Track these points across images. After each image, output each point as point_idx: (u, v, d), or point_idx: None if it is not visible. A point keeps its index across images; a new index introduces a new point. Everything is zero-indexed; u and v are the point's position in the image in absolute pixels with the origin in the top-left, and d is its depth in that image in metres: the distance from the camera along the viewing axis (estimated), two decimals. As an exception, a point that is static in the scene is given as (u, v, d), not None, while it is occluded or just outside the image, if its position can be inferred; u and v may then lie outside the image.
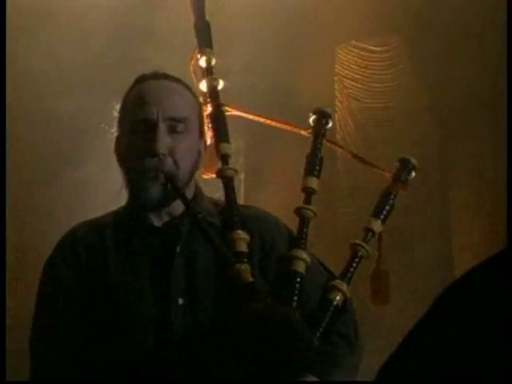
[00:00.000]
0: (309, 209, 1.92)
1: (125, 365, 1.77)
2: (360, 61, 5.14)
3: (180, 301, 1.80)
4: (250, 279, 1.71)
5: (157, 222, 1.87)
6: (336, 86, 5.25)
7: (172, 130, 1.83)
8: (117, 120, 1.94)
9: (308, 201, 1.94)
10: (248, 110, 2.12)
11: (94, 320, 1.81)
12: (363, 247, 1.92)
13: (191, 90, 1.93)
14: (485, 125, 4.53)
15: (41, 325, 1.86)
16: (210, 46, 2.13)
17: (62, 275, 1.85)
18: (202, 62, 2.10)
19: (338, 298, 1.84)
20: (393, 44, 4.97)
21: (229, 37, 3.91)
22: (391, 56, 5.02)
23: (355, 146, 4.96)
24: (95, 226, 1.90)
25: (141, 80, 1.91)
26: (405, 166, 2.03)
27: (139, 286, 1.81)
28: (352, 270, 1.90)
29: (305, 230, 1.90)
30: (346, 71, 5.21)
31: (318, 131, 2.02)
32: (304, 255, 1.86)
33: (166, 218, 1.87)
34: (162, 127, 1.82)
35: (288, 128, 2.08)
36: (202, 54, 2.11)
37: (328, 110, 2.05)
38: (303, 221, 1.91)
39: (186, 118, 1.85)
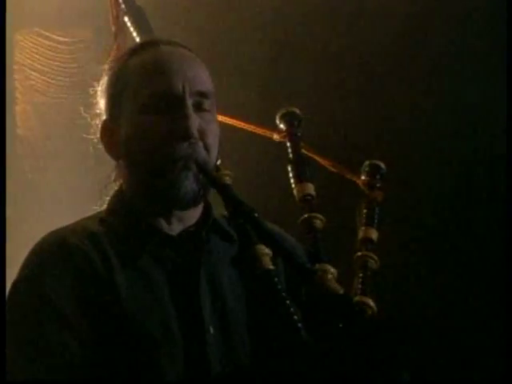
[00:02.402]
0: (317, 217, 1.68)
1: None
2: (44, 50, 4.73)
3: (211, 329, 1.46)
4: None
5: (169, 229, 1.50)
6: (16, 76, 4.73)
7: (198, 108, 1.49)
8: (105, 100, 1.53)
9: (311, 209, 1.70)
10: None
11: (101, 351, 1.39)
12: (371, 257, 1.73)
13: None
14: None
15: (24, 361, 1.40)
16: (153, 37, 1.81)
17: (55, 297, 1.40)
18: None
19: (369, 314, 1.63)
20: (81, 37, 4.67)
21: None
22: (79, 49, 4.71)
23: (43, 142, 4.52)
24: (88, 234, 1.46)
25: (149, 45, 1.52)
26: (375, 171, 1.89)
27: (157, 313, 1.44)
28: (369, 283, 1.70)
29: (319, 241, 1.66)
30: (28, 60, 4.73)
31: (294, 134, 1.80)
32: (332, 269, 1.61)
33: (178, 225, 1.51)
34: (190, 104, 1.46)
35: (260, 131, 1.82)
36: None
37: (297, 110, 1.84)
38: (315, 232, 1.66)
39: (212, 93, 1.51)
